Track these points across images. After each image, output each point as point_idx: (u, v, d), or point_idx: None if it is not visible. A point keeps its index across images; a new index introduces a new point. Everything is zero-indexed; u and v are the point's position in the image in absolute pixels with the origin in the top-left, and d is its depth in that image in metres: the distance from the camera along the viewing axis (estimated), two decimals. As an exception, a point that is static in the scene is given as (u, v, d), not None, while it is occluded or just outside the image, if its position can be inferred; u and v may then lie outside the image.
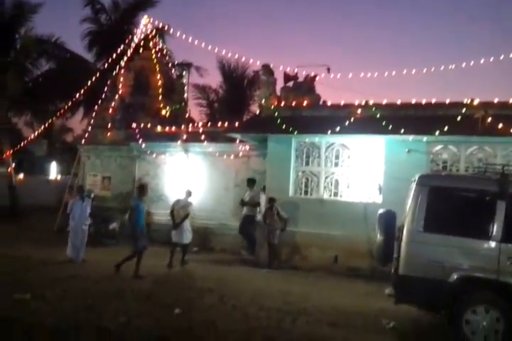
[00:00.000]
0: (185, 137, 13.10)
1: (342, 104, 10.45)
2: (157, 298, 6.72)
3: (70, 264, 9.02)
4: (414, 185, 5.93)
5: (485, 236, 5.36)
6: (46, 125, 18.85)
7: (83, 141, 15.27)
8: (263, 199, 10.67)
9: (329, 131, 9.66)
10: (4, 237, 12.02)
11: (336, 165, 10.27)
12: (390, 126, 9.15)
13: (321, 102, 11.14)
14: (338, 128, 9.56)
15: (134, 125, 14.18)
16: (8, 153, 18.36)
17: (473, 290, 5.35)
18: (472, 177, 6.23)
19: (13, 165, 18.93)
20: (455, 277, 5.30)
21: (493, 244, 5.31)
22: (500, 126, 8.45)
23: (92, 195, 11.58)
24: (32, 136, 21.09)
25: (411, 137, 9.30)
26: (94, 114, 15.93)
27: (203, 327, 5.45)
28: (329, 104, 10.81)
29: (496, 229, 5.32)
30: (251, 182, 11.19)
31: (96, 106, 15.65)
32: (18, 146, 18.76)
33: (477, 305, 5.22)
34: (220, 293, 7.21)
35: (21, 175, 23.53)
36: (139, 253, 8.41)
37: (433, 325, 6.10)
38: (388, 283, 6.09)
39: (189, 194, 10.30)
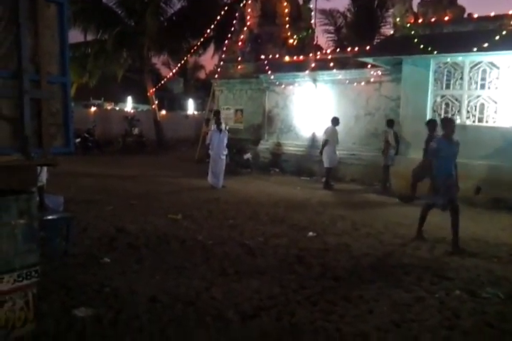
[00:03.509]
0: (313, 65, 12.79)
1: (492, 15, 9.11)
2: (291, 221, 7.05)
3: (211, 190, 9.86)
4: None
5: None
6: (181, 63, 19.92)
7: (216, 75, 15.87)
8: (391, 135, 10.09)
9: (475, 48, 8.57)
10: (154, 166, 13.56)
11: (482, 87, 9.19)
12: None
13: (465, 15, 9.83)
14: (486, 45, 8.43)
15: (262, 56, 14.22)
16: (151, 91, 19.99)
17: None
18: None
19: (156, 102, 20.63)
20: None
21: None
22: None
23: (227, 128, 12.19)
24: (169, 75, 22.60)
25: None
26: (224, 49, 16.30)
27: (337, 250, 5.63)
28: (476, 16, 9.48)
29: None
30: (390, 122, 10.29)
31: (226, 41, 15.94)
32: (159, 84, 20.29)
33: None
34: (352, 220, 7.31)
35: (163, 112, 25.62)
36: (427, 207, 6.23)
37: None
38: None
39: (333, 121, 10.59)
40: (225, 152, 10.28)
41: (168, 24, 19.78)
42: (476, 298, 4.25)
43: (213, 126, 10.85)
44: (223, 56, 16.28)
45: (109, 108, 28.63)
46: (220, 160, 10.11)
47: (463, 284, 4.57)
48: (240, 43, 15.52)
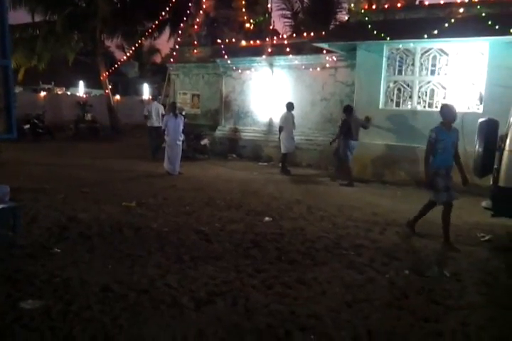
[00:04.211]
0: (270, 50, 12.73)
1: (442, 2, 9.34)
2: (248, 207, 7.07)
3: (167, 176, 9.73)
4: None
5: None
6: (136, 46, 19.35)
7: (171, 59, 15.53)
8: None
9: (426, 35, 8.78)
10: (108, 153, 13.20)
11: (432, 73, 9.45)
12: (497, 26, 8.07)
13: (417, 2, 10.04)
14: (435, 32, 8.64)
15: (219, 40, 14.01)
16: (104, 75, 19.34)
17: None
18: None
19: (110, 87, 19.99)
20: None
21: None
22: None
23: (184, 113, 12.00)
24: (124, 58, 21.92)
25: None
26: (180, 32, 15.94)
27: (292, 233, 5.70)
28: (427, 3, 9.70)
29: None
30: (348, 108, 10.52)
31: (181, 24, 15.58)
32: (113, 68, 19.64)
33: None
34: (307, 204, 7.41)
35: (117, 97, 24.88)
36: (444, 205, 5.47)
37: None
38: (484, 196, 5.81)
39: (288, 107, 10.66)
40: (182, 138, 10.13)
41: (121, 6, 19.10)
42: (423, 277, 4.43)
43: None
44: (179, 40, 15.93)
45: (60, 93, 27.51)
46: (176, 146, 9.95)
47: (411, 264, 4.75)
48: (195, 27, 15.23)
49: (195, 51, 14.91)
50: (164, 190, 8.24)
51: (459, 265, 4.77)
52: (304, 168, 11.44)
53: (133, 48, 20.01)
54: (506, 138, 5.29)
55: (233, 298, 3.81)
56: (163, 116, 11.97)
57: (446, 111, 5.51)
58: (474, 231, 5.96)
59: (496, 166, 5.43)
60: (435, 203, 5.56)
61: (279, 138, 10.81)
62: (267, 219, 6.37)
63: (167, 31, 20.41)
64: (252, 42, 13.54)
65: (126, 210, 6.62)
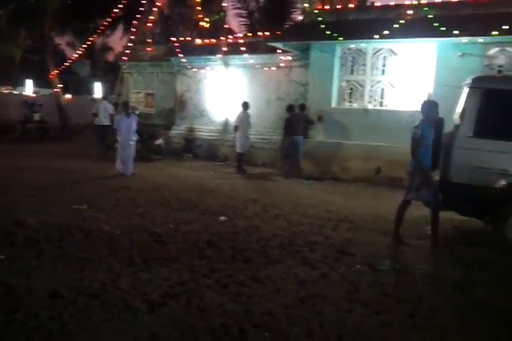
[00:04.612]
0: (225, 49, 12.71)
1: (392, 4, 9.63)
2: (203, 207, 7.02)
3: (120, 177, 9.50)
4: (466, 89, 5.56)
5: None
6: (87, 44, 18.79)
7: (125, 58, 15.19)
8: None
9: (376, 36, 9.04)
10: (58, 154, 12.74)
11: (383, 72, 9.74)
12: (443, 28, 8.42)
13: (368, 3, 10.30)
14: (386, 32, 8.92)
15: (173, 39, 13.84)
16: (53, 73, 18.66)
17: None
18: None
19: (61, 85, 19.32)
20: (502, 183, 5.15)
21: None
22: None
23: (137, 112, 11.78)
24: (75, 56, 21.23)
25: (466, 39, 8.55)
26: (133, 30, 15.63)
27: (247, 232, 5.71)
28: (378, 5, 9.99)
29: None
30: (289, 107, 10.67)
31: (135, 21, 15.28)
32: (63, 67, 18.98)
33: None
34: (263, 202, 7.45)
35: (68, 96, 24.07)
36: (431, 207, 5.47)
37: (475, 231, 6.11)
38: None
39: (243, 106, 10.74)
40: (135, 137, 9.93)
41: (71, 1, 18.48)
42: (374, 270, 4.55)
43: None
44: (132, 37, 15.60)
45: (5, 92, 26.27)
46: (129, 146, 9.74)
47: (363, 259, 4.86)
48: (149, 24, 14.98)
49: (149, 49, 14.66)
50: (117, 191, 8.04)
51: (408, 258, 4.94)
52: (259, 167, 11.50)
53: (84, 46, 19.41)
54: (452, 135, 5.52)
55: (187, 299, 3.77)
56: (111, 115, 11.82)
57: (428, 107, 5.35)
58: (421, 225, 6.17)
59: (442, 162, 5.65)
60: (409, 202, 5.50)
61: (234, 137, 10.86)
62: (222, 218, 6.35)
63: (120, 29, 19.99)
64: (207, 40, 13.46)
65: (76, 213, 6.40)
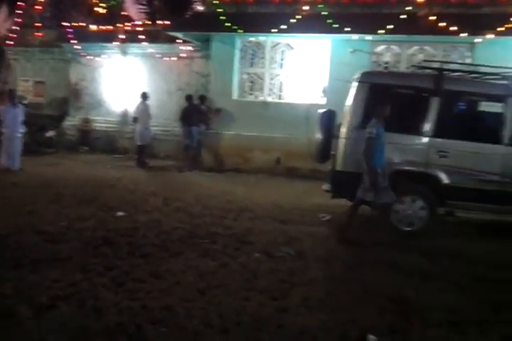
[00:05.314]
0: (122, 37, 12.17)
1: (289, -1, 9.89)
2: (100, 202, 6.71)
3: (7, 173, 8.73)
4: (355, 83, 5.91)
5: (418, 132, 5.58)
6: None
7: (10, 42, 13.90)
8: None
9: (274, 30, 9.24)
10: None
11: (281, 66, 10.01)
12: (336, 25, 8.85)
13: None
14: (284, 27, 9.15)
15: (65, 24, 12.93)
16: None
17: (403, 182, 5.67)
18: (411, 75, 6.28)
19: None
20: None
21: (424, 139, 5.54)
22: (443, 24, 8.36)
23: (26, 102, 10.88)
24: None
25: (356, 36, 9.08)
26: (19, 12, 14.32)
27: (147, 227, 5.57)
28: (275, -1, 10.18)
29: (428, 124, 5.52)
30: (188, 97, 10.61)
31: (21, 3, 14.02)
32: None
33: (405, 196, 5.60)
34: (163, 196, 7.32)
35: None
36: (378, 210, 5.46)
37: (365, 217, 6.55)
38: (325, 180, 6.36)
39: (142, 96, 10.43)
40: (22, 130, 9.17)
41: None
42: (272, 258, 4.70)
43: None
44: (18, 20, 14.29)
45: None
46: (16, 138, 8.98)
47: (262, 247, 5.00)
48: (38, 7, 13.84)
49: (38, 34, 13.56)
50: (3, 188, 7.38)
51: (303, 244, 5.16)
52: (162, 160, 11.26)
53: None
54: (342, 127, 5.84)
55: (80, 300, 3.57)
56: None
57: (383, 106, 5.20)
58: (316, 213, 6.49)
59: (333, 152, 5.97)
60: (361, 203, 5.34)
61: (134, 129, 10.49)
62: (120, 213, 6.11)
63: (4, 10, 18.20)
64: (103, 27, 12.78)
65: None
